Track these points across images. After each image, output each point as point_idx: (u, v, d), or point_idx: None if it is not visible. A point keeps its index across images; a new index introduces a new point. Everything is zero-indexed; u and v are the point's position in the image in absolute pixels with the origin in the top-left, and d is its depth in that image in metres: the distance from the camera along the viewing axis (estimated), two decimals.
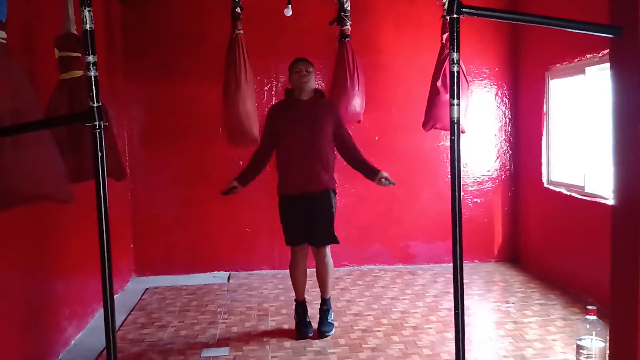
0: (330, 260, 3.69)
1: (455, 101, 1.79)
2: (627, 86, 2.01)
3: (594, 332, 2.42)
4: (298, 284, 3.76)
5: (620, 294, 2.04)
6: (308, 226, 3.62)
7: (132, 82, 5.12)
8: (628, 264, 1.98)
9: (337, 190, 3.75)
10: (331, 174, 3.66)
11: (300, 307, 3.77)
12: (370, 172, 3.59)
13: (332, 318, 3.78)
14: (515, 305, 4.19)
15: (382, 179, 3.51)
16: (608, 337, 2.16)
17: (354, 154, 3.67)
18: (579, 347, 2.45)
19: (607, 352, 2.20)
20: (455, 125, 1.79)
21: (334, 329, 3.72)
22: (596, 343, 2.40)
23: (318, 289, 3.85)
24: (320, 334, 3.64)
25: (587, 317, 2.47)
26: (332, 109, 3.72)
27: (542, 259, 4.97)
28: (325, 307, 3.75)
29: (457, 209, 1.78)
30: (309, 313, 3.80)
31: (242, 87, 4.12)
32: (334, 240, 3.64)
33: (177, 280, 5.08)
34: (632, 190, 1.97)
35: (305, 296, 3.83)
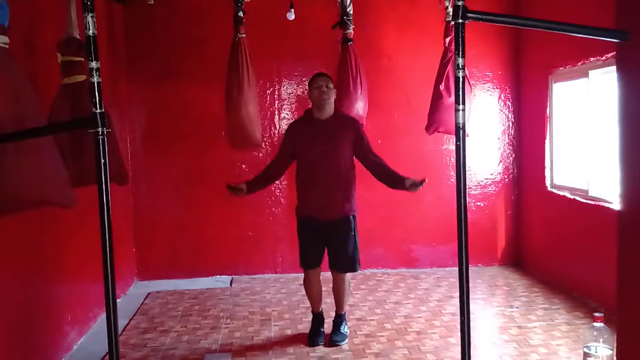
0: (349, 280, 3.66)
1: (461, 106, 1.77)
2: (634, 90, 2.00)
3: (601, 340, 2.39)
4: (313, 298, 3.72)
5: (628, 300, 2.02)
6: (325, 250, 3.59)
7: (135, 86, 5.12)
8: (635, 270, 1.96)
9: (356, 214, 3.61)
10: (351, 198, 3.55)
11: (316, 317, 3.74)
12: (399, 184, 3.44)
13: (346, 330, 3.70)
14: (519, 309, 4.17)
15: (411, 186, 3.35)
16: (615, 345, 2.14)
17: (380, 169, 3.52)
18: (585, 355, 2.43)
19: (615, 359, 2.18)
20: (461, 131, 1.78)
21: (346, 340, 3.63)
22: (603, 350, 2.38)
23: (331, 300, 3.81)
24: (331, 342, 3.59)
25: (594, 324, 2.44)
26: (352, 126, 3.59)
27: (546, 262, 4.94)
28: (338, 319, 3.71)
29: (462, 214, 1.76)
30: (325, 325, 3.74)
31: (244, 91, 4.11)
32: (353, 268, 3.59)
33: (179, 284, 5.06)
34: (639, 195, 1.95)
35: (323, 306, 3.78)
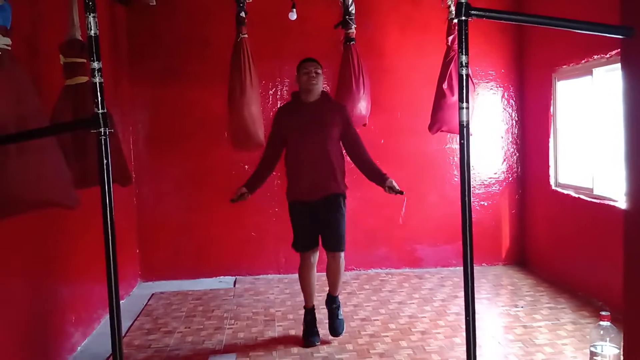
0: (343, 261, 3.64)
1: (465, 104, 1.76)
2: (639, 87, 1.98)
3: (607, 339, 2.37)
4: (307, 290, 3.69)
5: (634, 299, 2.00)
6: (318, 231, 3.58)
7: (137, 86, 5.12)
8: None
9: (346, 194, 3.64)
10: (340, 178, 3.57)
11: (309, 314, 3.70)
12: (378, 178, 3.48)
13: (342, 315, 3.73)
14: (524, 309, 4.15)
15: (387, 188, 3.40)
16: (622, 344, 2.12)
17: (362, 157, 3.58)
18: (592, 354, 2.41)
19: (622, 359, 2.16)
20: (465, 129, 1.77)
21: (344, 326, 3.69)
22: (610, 350, 2.36)
23: (324, 294, 3.80)
24: (335, 333, 3.61)
25: (601, 323, 2.42)
26: (340, 110, 3.64)
27: (551, 261, 4.92)
28: (334, 305, 3.68)
29: (467, 214, 1.75)
30: (317, 319, 3.73)
31: (247, 91, 4.11)
32: (342, 246, 3.59)
33: (183, 285, 5.06)
34: None
35: (314, 302, 3.76)
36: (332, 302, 3.69)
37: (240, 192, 3.54)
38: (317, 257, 3.67)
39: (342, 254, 3.61)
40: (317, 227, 3.58)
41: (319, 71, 3.55)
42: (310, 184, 3.52)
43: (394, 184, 3.42)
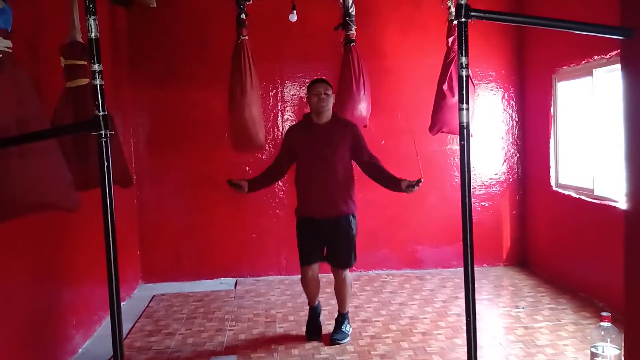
0: (349, 277, 3.68)
1: (465, 105, 1.76)
2: (639, 88, 1.98)
3: (608, 340, 2.37)
4: (310, 295, 3.76)
5: (635, 299, 2.00)
6: (325, 249, 3.62)
7: (138, 88, 5.12)
8: None
9: (355, 214, 3.65)
10: (349, 198, 3.60)
11: (312, 310, 3.78)
12: (396, 185, 3.49)
13: (348, 329, 3.72)
14: (525, 309, 4.15)
15: (407, 187, 3.39)
16: (623, 344, 2.12)
17: (377, 172, 3.60)
18: (593, 355, 2.41)
19: (623, 359, 2.16)
20: (465, 130, 1.77)
21: (347, 338, 3.66)
22: (611, 350, 2.36)
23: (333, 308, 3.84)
24: (332, 341, 3.60)
25: (602, 323, 2.42)
26: (350, 130, 3.63)
27: (552, 262, 4.92)
28: (340, 319, 3.74)
29: (467, 215, 1.75)
30: (322, 317, 3.78)
31: (247, 93, 4.11)
32: (348, 264, 3.61)
33: (184, 287, 5.06)
34: None
35: (328, 309, 3.82)
36: (339, 316, 3.75)
37: (241, 183, 3.56)
38: (318, 269, 3.68)
39: (347, 270, 3.64)
40: (324, 244, 3.62)
41: (329, 92, 3.57)
42: (319, 203, 3.56)
43: (408, 181, 3.40)
